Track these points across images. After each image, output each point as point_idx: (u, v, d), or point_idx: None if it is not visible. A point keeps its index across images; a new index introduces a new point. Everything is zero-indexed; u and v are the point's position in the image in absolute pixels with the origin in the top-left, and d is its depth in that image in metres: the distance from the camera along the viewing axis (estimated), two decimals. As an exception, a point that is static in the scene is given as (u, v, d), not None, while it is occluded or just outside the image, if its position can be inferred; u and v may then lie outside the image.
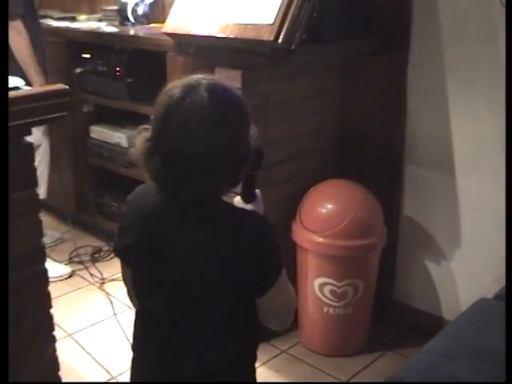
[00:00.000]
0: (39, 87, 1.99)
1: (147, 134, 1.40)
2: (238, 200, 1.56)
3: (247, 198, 1.55)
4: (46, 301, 2.07)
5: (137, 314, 1.57)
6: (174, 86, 1.37)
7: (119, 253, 1.54)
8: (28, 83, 3.09)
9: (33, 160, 1.91)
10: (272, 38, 2.30)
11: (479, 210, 2.75)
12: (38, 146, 3.48)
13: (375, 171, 3.01)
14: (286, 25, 2.30)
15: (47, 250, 3.67)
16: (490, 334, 1.72)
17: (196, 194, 1.37)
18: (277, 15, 2.32)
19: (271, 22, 2.32)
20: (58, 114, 1.74)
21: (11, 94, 1.68)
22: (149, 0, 3.76)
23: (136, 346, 1.57)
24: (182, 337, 1.46)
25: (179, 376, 1.46)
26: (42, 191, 3.57)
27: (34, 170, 1.93)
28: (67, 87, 1.79)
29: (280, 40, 2.30)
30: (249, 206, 1.54)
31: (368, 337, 2.96)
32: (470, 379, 1.48)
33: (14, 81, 1.82)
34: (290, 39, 2.31)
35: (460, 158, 2.77)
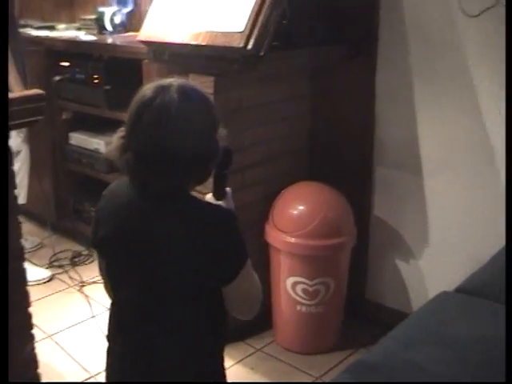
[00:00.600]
0: (17, 93, 2.05)
1: (122, 132, 1.48)
2: (209, 197, 1.63)
3: (218, 196, 1.62)
4: (24, 300, 2.13)
5: (112, 304, 1.65)
6: (147, 87, 1.46)
7: (95, 245, 1.62)
8: (7, 91, 3.17)
9: (11, 163, 1.97)
10: (242, 45, 2.39)
11: (446, 209, 2.84)
12: (18, 152, 3.55)
13: (346, 173, 3.10)
14: (256, 32, 2.40)
15: (28, 255, 3.76)
16: (449, 324, 1.81)
17: (165, 187, 1.46)
18: (247, 23, 2.41)
19: (241, 29, 2.41)
20: (34, 118, 1.82)
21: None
22: (126, 9, 3.84)
23: (111, 336, 1.64)
24: (153, 325, 1.53)
25: (152, 364, 1.54)
26: (21, 197, 3.63)
27: (13, 172, 2.00)
28: (43, 92, 1.87)
29: (249, 47, 2.39)
30: (219, 203, 1.61)
31: (341, 334, 3.04)
32: (426, 364, 1.57)
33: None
34: (259, 46, 2.41)
35: (427, 159, 2.86)
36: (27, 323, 2.16)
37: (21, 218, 4.10)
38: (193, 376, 1.55)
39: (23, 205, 3.73)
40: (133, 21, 3.90)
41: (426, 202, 2.90)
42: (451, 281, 2.79)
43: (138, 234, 1.50)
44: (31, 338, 2.19)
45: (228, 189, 1.65)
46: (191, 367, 1.56)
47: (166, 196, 1.48)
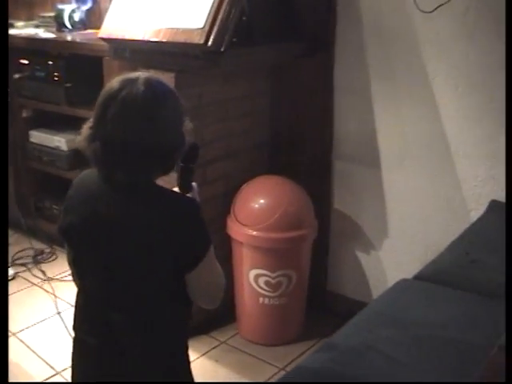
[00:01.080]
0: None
1: (91, 122, 1.51)
2: (175, 191, 1.66)
3: (183, 189, 1.65)
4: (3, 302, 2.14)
5: (77, 293, 1.68)
6: (116, 79, 1.50)
7: (63, 232, 1.64)
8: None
9: None
10: (202, 42, 2.43)
11: (404, 201, 2.92)
12: None
13: (306, 168, 3.16)
14: (215, 28, 2.43)
15: None
16: (408, 309, 1.87)
17: (129, 177, 1.49)
18: (206, 19, 2.45)
19: (201, 26, 2.44)
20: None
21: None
22: (85, 6, 3.84)
23: (76, 325, 1.67)
24: (117, 312, 1.56)
25: (117, 351, 1.57)
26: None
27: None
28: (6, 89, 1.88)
29: (210, 43, 2.43)
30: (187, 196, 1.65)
31: (304, 326, 3.10)
32: (385, 347, 1.63)
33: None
34: (219, 42, 2.44)
35: (385, 153, 2.93)
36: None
37: None
38: (157, 362, 1.58)
39: None
40: (92, 18, 3.90)
41: (385, 194, 2.97)
42: (410, 270, 2.86)
43: (104, 222, 1.53)
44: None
45: (194, 184, 1.68)
46: (155, 354, 1.59)
47: (131, 185, 1.51)
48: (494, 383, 1.15)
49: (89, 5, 3.87)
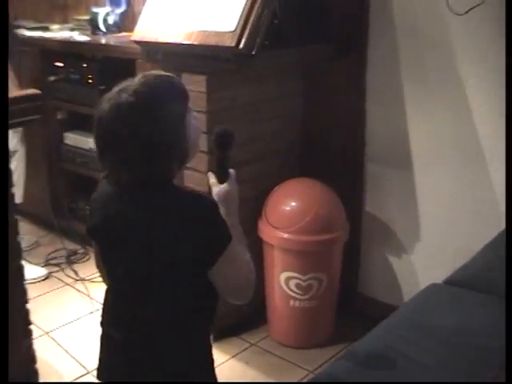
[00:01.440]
0: (16, 91, 2.09)
1: None
2: (212, 181, 1.66)
3: (220, 178, 1.64)
4: (22, 297, 2.17)
5: (106, 290, 1.70)
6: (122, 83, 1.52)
7: (89, 233, 1.67)
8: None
9: (8, 161, 2.01)
10: (233, 44, 2.44)
11: (435, 204, 2.89)
12: (15, 152, 3.58)
13: (337, 170, 3.15)
14: (247, 31, 2.44)
15: (24, 254, 3.78)
16: (437, 314, 1.85)
17: (133, 178, 1.50)
18: (238, 22, 2.46)
19: (233, 29, 2.45)
20: (31, 117, 1.86)
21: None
22: (119, 9, 3.88)
23: (104, 321, 1.69)
24: (141, 308, 1.58)
25: (142, 346, 1.59)
26: (18, 196, 3.66)
27: (11, 171, 2.03)
28: (39, 92, 1.91)
29: (241, 46, 2.44)
30: (223, 186, 1.63)
31: (334, 328, 3.08)
32: (413, 353, 1.62)
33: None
34: (250, 45, 2.45)
35: (416, 155, 2.91)
36: (25, 320, 2.20)
37: (17, 217, 4.15)
38: (178, 359, 1.59)
39: (19, 204, 3.77)
40: (126, 21, 3.94)
41: (416, 196, 2.95)
42: (441, 274, 2.84)
43: (122, 223, 1.56)
44: (29, 335, 2.23)
45: (232, 171, 1.67)
46: (178, 350, 1.59)
47: (139, 186, 1.52)
48: (499, 383, 1.13)
49: (123, 8, 3.91)
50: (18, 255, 2.15)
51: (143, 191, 1.52)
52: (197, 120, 1.60)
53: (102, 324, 1.70)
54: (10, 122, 1.81)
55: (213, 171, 1.67)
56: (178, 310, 1.57)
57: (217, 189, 1.64)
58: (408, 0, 2.76)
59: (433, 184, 2.88)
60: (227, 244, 1.52)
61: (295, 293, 2.90)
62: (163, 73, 1.57)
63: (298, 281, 2.87)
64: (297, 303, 2.92)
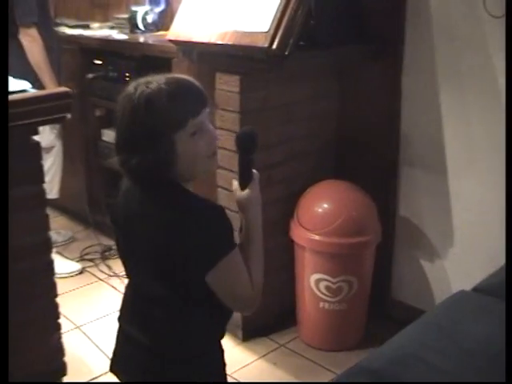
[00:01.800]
0: (45, 90, 2.13)
1: None
2: (235, 186, 1.63)
3: (242, 182, 1.60)
4: (51, 289, 2.21)
5: (126, 285, 1.73)
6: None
7: (113, 228, 1.71)
8: (41, 87, 3.26)
9: (40, 158, 2.05)
10: (266, 45, 2.43)
11: (470, 209, 2.85)
12: (51, 148, 3.63)
13: (371, 172, 3.12)
14: (280, 32, 2.44)
15: (60, 249, 3.86)
16: (463, 322, 1.83)
17: (137, 179, 1.52)
18: (271, 23, 2.45)
19: (266, 29, 2.45)
20: (61, 115, 1.89)
21: (17, 96, 1.83)
22: (158, 8, 3.91)
23: (120, 315, 1.72)
24: (149, 307, 1.60)
25: (151, 345, 1.60)
26: (54, 192, 3.73)
27: (41, 167, 2.07)
28: (70, 90, 1.94)
29: (274, 46, 2.43)
30: (244, 193, 1.60)
31: (364, 332, 3.06)
32: (436, 361, 1.60)
33: (21, 84, 1.96)
34: (283, 46, 2.45)
35: (452, 159, 2.87)
36: (54, 313, 2.24)
37: (54, 212, 4.23)
38: (187, 361, 1.60)
39: (56, 199, 3.83)
40: (165, 20, 3.96)
41: (451, 201, 2.91)
42: (474, 280, 2.80)
43: (130, 222, 1.58)
44: (58, 328, 2.26)
45: (255, 173, 1.62)
46: (183, 351, 1.60)
47: (153, 187, 1.52)
48: (495, 383, 1.11)
49: (162, 6, 3.94)
50: (49, 250, 2.18)
51: (148, 187, 1.53)
52: (203, 141, 1.52)
53: (119, 318, 1.72)
54: (41, 119, 1.84)
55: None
56: (181, 311, 1.57)
57: (238, 195, 1.62)
58: (444, 2, 2.73)
59: (466, 189, 2.84)
60: (225, 254, 1.50)
61: (325, 295, 2.88)
62: (188, 78, 1.56)
63: (327, 283, 2.86)
64: (326, 305, 2.91)
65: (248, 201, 1.60)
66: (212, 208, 1.53)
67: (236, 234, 1.59)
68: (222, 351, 1.69)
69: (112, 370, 1.73)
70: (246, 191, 1.60)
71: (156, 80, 1.49)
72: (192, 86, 1.54)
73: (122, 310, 1.72)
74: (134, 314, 1.66)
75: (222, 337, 1.68)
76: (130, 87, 1.51)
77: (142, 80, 1.51)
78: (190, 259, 1.49)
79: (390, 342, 1.78)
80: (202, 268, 1.50)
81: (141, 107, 1.46)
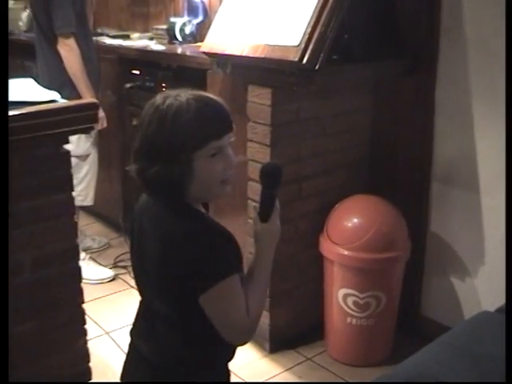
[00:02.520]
0: (74, 101, 2.17)
1: None
2: (255, 216, 1.63)
3: (262, 216, 1.59)
4: (79, 296, 2.24)
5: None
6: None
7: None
8: (78, 96, 3.32)
9: (70, 166, 2.08)
10: (297, 59, 2.45)
11: (502, 227, 2.81)
12: (87, 155, 3.69)
13: (403, 188, 3.11)
14: (311, 46, 2.44)
15: (94, 255, 3.91)
16: (483, 342, 1.80)
17: (152, 190, 1.55)
18: (302, 37, 2.46)
19: (297, 43, 2.46)
20: (89, 125, 1.92)
21: (46, 106, 1.87)
22: (196, 20, 3.95)
23: (132, 329, 1.76)
24: (149, 320, 1.65)
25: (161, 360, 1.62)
26: (89, 198, 3.78)
27: (71, 175, 2.10)
28: (96, 101, 1.98)
29: (304, 60, 2.44)
30: (263, 225, 1.60)
31: (392, 348, 3.04)
32: (450, 379, 1.58)
33: (50, 94, 2.00)
34: (314, 60, 2.45)
35: (485, 176, 2.84)
36: (80, 318, 2.27)
37: (89, 219, 4.29)
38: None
39: (92, 206, 3.89)
40: (203, 31, 3.99)
41: (483, 218, 2.88)
42: (504, 301, 2.76)
43: (140, 233, 1.61)
44: (84, 333, 2.29)
45: (277, 207, 1.61)
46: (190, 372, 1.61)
47: (163, 199, 1.54)
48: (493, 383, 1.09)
49: (200, 18, 3.98)
50: (77, 257, 2.21)
51: (161, 206, 1.55)
52: (220, 165, 1.52)
53: (131, 331, 1.76)
54: (70, 129, 1.88)
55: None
56: (182, 329, 1.58)
57: (257, 227, 1.61)
58: (479, 16, 2.71)
59: (499, 206, 2.79)
60: (224, 277, 1.48)
61: (352, 310, 2.87)
62: (214, 98, 1.56)
63: (355, 298, 2.85)
64: (354, 320, 2.89)
65: (265, 233, 1.61)
66: (218, 232, 1.52)
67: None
68: (228, 374, 1.71)
69: (121, 381, 1.76)
70: (266, 224, 1.61)
71: (186, 94, 1.50)
72: (220, 109, 1.54)
73: (134, 324, 1.75)
74: (141, 329, 1.69)
75: (228, 359, 1.69)
76: (159, 98, 1.52)
77: (172, 92, 1.53)
78: (187, 279, 1.49)
79: (409, 361, 1.77)
80: (196, 289, 1.49)
81: (167, 119, 1.47)
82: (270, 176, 1.60)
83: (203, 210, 1.62)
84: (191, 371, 1.60)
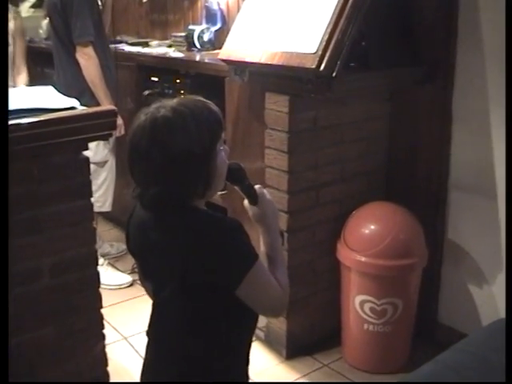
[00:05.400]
0: (93, 108, 2.20)
1: None
2: (246, 203, 1.73)
3: (251, 201, 1.72)
4: (97, 301, 2.26)
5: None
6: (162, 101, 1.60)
7: (131, 253, 1.78)
8: (97, 104, 3.36)
9: (89, 173, 2.10)
10: (314, 66, 2.46)
11: (520, 235, 2.81)
12: (105, 162, 3.72)
13: (420, 195, 3.11)
14: (328, 54, 2.46)
15: (112, 261, 3.93)
16: (500, 351, 1.79)
17: (157, 195, 1.54)
18: (320, 44, 2.48)
19: (314, 50, 2.48)
20: (107, 132, 1.95)
21: (65, 113, 1.90)
22: (215, 27, 3.98)
23: (148, 331, 1.77)
24: (166, 325, 1.68)
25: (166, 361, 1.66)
26: (107, 205, 3.81)
27: (90, 182, 2.12)
28: (115, 108, 2.00)
29: (322, 68, 2.46)
30: (255, 208, 1.71)
31: (409, 356, 3.04)
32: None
33: (70, 101, 2.03)
34: (331, 67, 2.47)
35: (502, 184, 2.83)
36: (99, 323, 2.29)
37: (108, 225, 4.32)
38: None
39: (109, 212, 3.92)
40: (221, 38, 4.02)
41: (501, 226, 2.87)
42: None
43: (147, 247, 1.63)
44: (102, 338, 2.31)
45: (259, 190, 1.72)
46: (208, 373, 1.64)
47: (163, 208, 1.56)
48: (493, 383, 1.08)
49: (218, 25, 4.00)
50: (95, 262, 2.23)
51: (167, 214, 1.56)
52: (226, 153, 1.62)
53: (147, 334, 1.77)
54: (88, 135, 1.90)
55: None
56: (207, 329, 1.61)
57: (251, 212, 1.72)
58: (497, 24, 2.70)
59: (517, 214, 2.79)
60: (250, 266, 1.54)
61: (369, 316, 2.87)
62: (202, 99, 1.60)
63: (372, 305, 2.85)
64: (371, 327, 2.89)
65: (262, 214, 1.70)
66: (230, 224, 1.56)
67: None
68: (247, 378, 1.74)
69: (141, 380, 1.78)
70: (257, 207, 1.71)
71: (170, 104, 1.54)
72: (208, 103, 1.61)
73: (149, 326, 1.77)
74: (157, 332, 1.72)
75: (247, 362, 1.72)
76: (150, 118, 1.52)
77: (151, 109, 1.55)
78: (219, 278, 1.52)
79: (423, 368, 1.77)
80: (232, 284, 1.53)
81: (188, 123, 1.50)
82: (235, 173, 1.68)
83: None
84: (213, 373, 1.63)
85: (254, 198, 1.71)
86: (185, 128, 1.49)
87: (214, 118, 1.56)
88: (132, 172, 1.58)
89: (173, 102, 1.55)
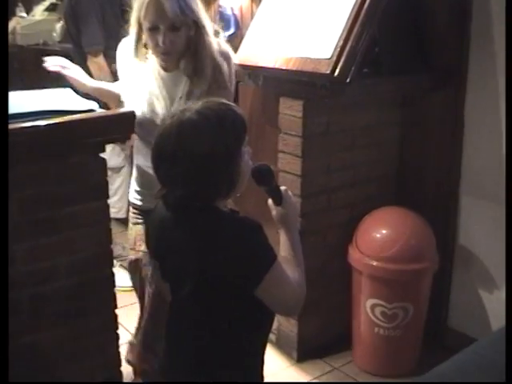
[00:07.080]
0: (111, 110, 2.23)
1: None
2: (270, 203, 1.78)
3: (275, 202, 1.77)
4: (112, 301, 2.29)
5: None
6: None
7: (151, 255, 1.82)
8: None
9: (106, 174, 2.13)
10: (329, 71, 2.49)
11: (531, 241, 2.82)
12: (121, 168, 3.73)
13: (432, 200, 3.12)
14: (343, 59, 2.48)
15: (124, 262, 3.94)
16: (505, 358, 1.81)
17: (182, 197, 1.57)
18: (334, 50, 2.51)
19: (329, 56, 2.50)
20: (125, 135, 1.97)
21: (84, 115, 1.93)
22: (228, 32, 3.99)
23: (165, 331, 1.78)
24: (183, 324, 1.70)
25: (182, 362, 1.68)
26: (123, 211, 3.82)
27: (106, 183, 2.15)
28: (133, 111, 2.02)
29: (336, 73, 2.48)
30: (279, 209, 1.76)
31: (419, 360, 3.05)
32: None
33: (89, 104, 2.05)
34: (345, 73, 2.49)
35: (513, 190, 2.85)
36: (113, 324, 2.31)
37: (120, 227, 4.32)
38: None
39: (125, 218, 3.94)
40: (234, 43, 4.03)
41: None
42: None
43: (169, 246, 1.65)
44: (116, 338, 2.33)
45: (284, 191, 1.77)
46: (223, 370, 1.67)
47: (186, 208, 1.59)
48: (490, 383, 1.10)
49: (232, 30, 4.02)
50: (111, 263, 2.26)
51: (189, 214, 1.59)
52: (249, 155, 1.66)
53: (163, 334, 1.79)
54: (105, 137, 1.93)
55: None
56: (225, 330, 1.63)
57: (274, 212, 1.76)
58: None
59: (528, 220, 2.80)
60: (270, 266, 1.57)
61: (380, 320, 2.89)
62: (226, 101, 1.64)
63: (383, 309, 2.86)
64: (381, 331, 2.91)
65: (285, 215, 1.75)
66: (250, 225, 1.59)
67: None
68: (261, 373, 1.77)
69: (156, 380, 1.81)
70: (281, 208, 1.76)
71: (194, 107, 1.58)
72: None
73: (166, 327, 1.78)
74: (173, 332, 1.73)
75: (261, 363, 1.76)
76: (176, 124, 1.56)
77: (177, 113, 1.59)
78: (239, 278, 1.55)
79: (432, 372, 1.78)
80: (252, 284, 1.56)
81: (215, 127, 1.54)
82: (260, 174, 1.73)
83: None
84: (230, 374, 1.66)
85: (279, 199, 1.76)
86: (210, 130, 1.53)
87: (238, 120, 1.59)
88: (157, 173, 1.60)
89: (198, 105, 1.58)
